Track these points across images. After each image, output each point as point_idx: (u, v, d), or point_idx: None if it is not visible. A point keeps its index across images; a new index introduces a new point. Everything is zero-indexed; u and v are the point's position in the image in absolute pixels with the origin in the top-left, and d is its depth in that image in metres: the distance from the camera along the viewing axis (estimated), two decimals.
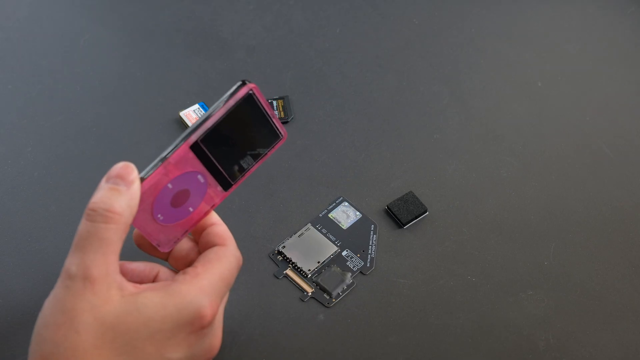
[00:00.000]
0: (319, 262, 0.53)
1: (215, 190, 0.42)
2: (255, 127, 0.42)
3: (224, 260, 0.39)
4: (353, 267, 0.53)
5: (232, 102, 0.39)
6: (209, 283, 0.38)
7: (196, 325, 0.37)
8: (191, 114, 0.61)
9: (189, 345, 0.37)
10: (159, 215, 0.40)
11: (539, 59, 0.68)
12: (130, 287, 0.36)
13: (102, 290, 0.35)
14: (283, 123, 0.62)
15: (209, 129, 0.39)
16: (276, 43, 0.68)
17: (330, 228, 0.55)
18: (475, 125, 0.62)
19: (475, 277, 0.53)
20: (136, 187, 0.37)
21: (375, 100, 0.64)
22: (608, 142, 0.61)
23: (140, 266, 0.41)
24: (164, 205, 0.40)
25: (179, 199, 0.40)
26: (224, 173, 0.41)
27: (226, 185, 0.42)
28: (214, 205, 0.42)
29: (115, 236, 0.36)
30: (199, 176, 0.40)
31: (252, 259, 0.53)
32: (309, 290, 0.52)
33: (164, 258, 0.43)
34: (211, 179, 0.41)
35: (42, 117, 0.62)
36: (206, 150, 0.40)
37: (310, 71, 0.66)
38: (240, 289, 0.52)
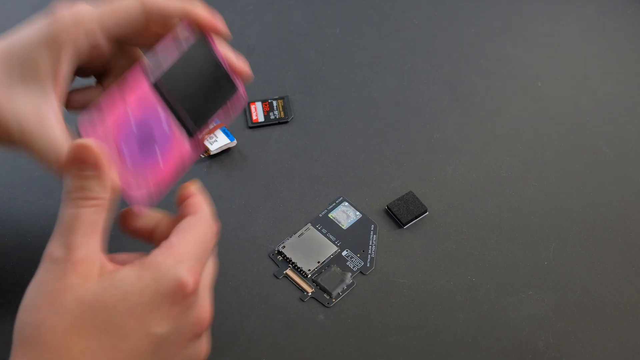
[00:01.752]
0: (319, 262, 0.53)
1: (180, 140, 0.41)
2: (210, 74, 0.42)
3: (197, 226, 0.38)
4: (353, 267, 0.53)
5: (186, 42, 0.40)
6: (185, 250, 0.37)
7: (178, 295, 0.36)
8: None
9: (173, 317, 0.36)
10: (126, 157, 0.39)
11: (539, 59, 0.68)
12: (110, 266, 0.36)
13: (84, 270, 0.34)
14: (283, 123, 0.62)
15: (166, 68, 0.40)
16: (276, 43, 0.68)
17: (330, 228, 0.55)
18: (475, 125, 0.62)
19: (475, 277, 0.53)
20: (105, 169, 0.36)
21: (375, 100, 0.64)
22: (608, 142, 0.61)
23: (131, 257, 0.40)
24: (129, 147, 0.39)
25: (146, 145, 0.40)
26: (186, 120, 0.41)
27: (190, 133, 0.41)
28: (183, 161, 0.41)
29: (98, 217, 0.36)
30: (163, 121, 0.40)
31: (252, 259, 0.53)
32: (309, 290, 0.52)
33: (147, 237, 0.42)
34: (174, 125, 0.41)
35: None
36: (165, 92, 0.40)
37: (310, 71, 0.66)
38: (240, 289, 0.52)
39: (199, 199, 0.40)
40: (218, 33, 0.44)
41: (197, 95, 0.42)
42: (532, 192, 0.58)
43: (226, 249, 0.54)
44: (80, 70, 0.45)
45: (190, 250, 0.37)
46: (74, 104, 0.46)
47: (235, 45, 0.68)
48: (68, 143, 0.40)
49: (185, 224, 0.38)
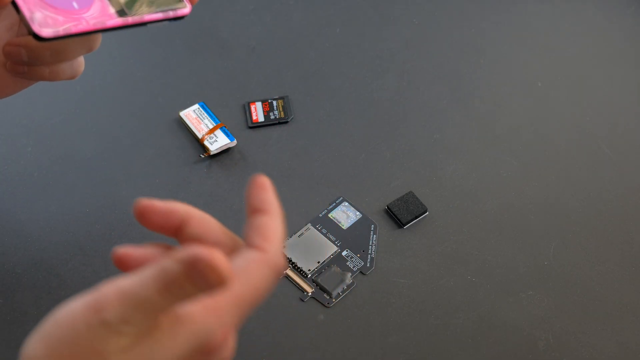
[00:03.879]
0: (319, 262, 0.53)
1: (106, 7, 0.40)
2: None
3: (254, 274, 0.32)
4: (353, 267, 0.53)
5: None
6: (226, 306, 0.31)
7: (204, 352, 0.32)
8: (191, 114, 0.61)
9: None
10: None
11: (539, 59, 0.68)
12: None
13: (121, 342, 0.31)
14: (283, 123, 0.62)
15: None
16: (276, 43, 0.68)
17: (330, 228, 0.55)
18: (475, 125, 0.62)
19: (475, 277, 0.53)
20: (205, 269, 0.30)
21: (375, 100, 0.64)
22: (608, 142, 0.61)
23: (147, 252, 0.35)
24: None
25: None
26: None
27: (118, 8, 0.40)
28: (106, 26, 0.39)
29: (170, 307, 0.31)
30: None
31: None
32: (309, 290, 0.52)
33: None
34: None
35: (42, 117, 0.62)
36: None
37: (310, 71, 0.66)
38: None
39: (271, 223, 0.34)
40: None
41: None
42: (532, 192, 0.58)
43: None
44: None
45: (234, 304, 0.32)
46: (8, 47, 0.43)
47: (235, 45, 0.68)
48: None
49: (242, 264, 0.32)
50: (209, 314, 0.31)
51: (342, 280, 0.52)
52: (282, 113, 0.62)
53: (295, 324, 0.50)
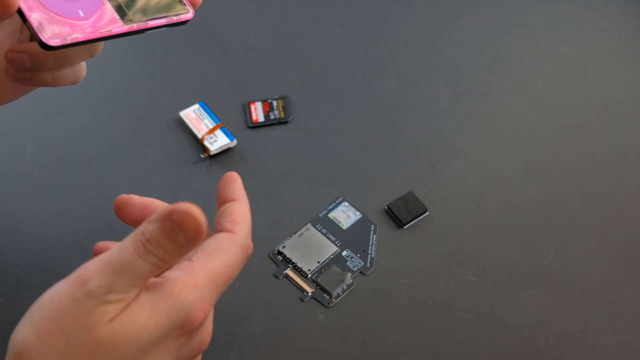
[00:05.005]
0: (319, 262, 0.53)
1: (111, 14, 0.40)
2: None
3: (226, 252, 0.35)
4: (353, 267, 0.53)
5: None
6: (203, 282, 0.34)
7: (185, 329, 0.34)
8: (191, 114, 0.61)
9: (177, 348, 0.35)
10: None
11: (539, 59, 0.68)
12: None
13: (110, 311, 0.32)
14: (283, 123, 0.62)
15: None
16: (276, 43, 0.68)
17: (330, 228, 0.55)
18: (475, 125, 0.62)
19: (475, 277, 0.53)
20: (194, 246, 0.34)
21: (375, 100, 0.64)
22: (608, 142, 0.61)
23: (148, 202, 0.38)
24: None
25: None
26: (120, 4, 0.40)
27: (123, 15, 0.40)
28: (110, 33, 0.40)
29: (152, 275, 0.33)
30: None
31: (252, 259, 0.53)
32: (309, 290, 0.52)
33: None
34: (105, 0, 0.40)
35: (42, 117, 0.62)
36: None
37: (310, 71, 0.66)
38: (240, 289, 0.52)
39: (240, 209, 0.37)
40: None
41: None
42: (532, 192, 0.58)
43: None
44: None
45: (211, 282, 0.34)
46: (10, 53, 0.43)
47: (235, 45, 0.68)
48: None
49: (215, 245, 0.35)
50: (189, 289, 0.33)
51: (342, 280, 0.52)
52: (282, 113, 0.62)
53: (295, 324, 0.50)
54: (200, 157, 0.59)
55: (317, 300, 0.51)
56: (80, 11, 0.39)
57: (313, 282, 0.52)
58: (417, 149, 0.60)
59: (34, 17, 0.37)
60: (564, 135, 0.62)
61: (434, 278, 0.53)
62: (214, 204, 0.56)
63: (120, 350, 0.32)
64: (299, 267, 0.53)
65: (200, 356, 0.39)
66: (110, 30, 0.40)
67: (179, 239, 0.33)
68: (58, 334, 0.32)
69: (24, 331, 0.32)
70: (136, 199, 0.39)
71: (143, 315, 0.33)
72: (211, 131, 0.59)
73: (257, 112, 0.62)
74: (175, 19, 0.43)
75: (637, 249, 0.54)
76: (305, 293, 0.52)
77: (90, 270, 0.32)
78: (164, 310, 0.33)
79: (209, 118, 0.60)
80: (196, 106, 0.62)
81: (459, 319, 0.50)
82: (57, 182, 0.57)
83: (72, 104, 0.63)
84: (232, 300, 0.51)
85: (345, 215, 0.56)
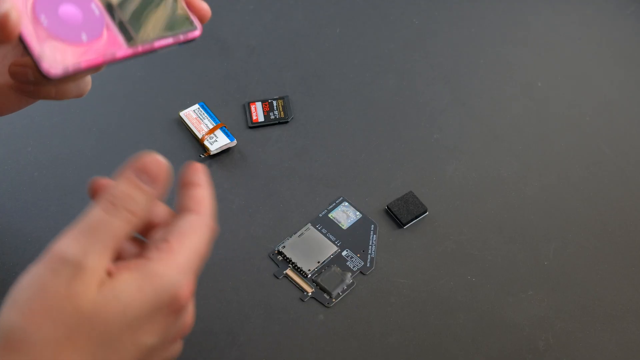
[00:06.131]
0: (319, 262, 0.53)
1: (114, 37, 0.39)
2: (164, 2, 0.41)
3: (198, 232, 0.36)
4: (353, 267, 0.53)
5: None
6: (184, 260, 0.35)
7: (174, 307, 0.35)
8: (191, 114, 0.61)
9: (165, 327, 0.35)
10: (43, 17, 0.36)
11: (539, 59, 0.68)
12: (114, 267, 0.34)
13: (90, 280, 0.32)
14: (283, 123, 0.62)
15: None
16: (276, 43, 0.68)
17: (330, 228, 0.55)
18: (475, 125, 0.62)
19: (475, 277, 0.53)
20: (161, 189, 0.35)
21: (375, 100, 0.64)
22: (608, 142, 0.61)
23: (129, 259, 0.38)
24: (50, 9, 0.37)
25: (70, 15, 0.38)
26: (126, 24, 0.39)
27: (129, 38, 0.39)
28: (115, 57, 0.38)
29: (125, 232, 0.34)
30: (93, 5, 0.39)
31: (252, 259, 0.53)
32: (309, 290, 0.52)
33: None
34: (109, 20, 0.39)
35: (42, 117, 0.62)
36: None
37: (310, 71, 0.66)
38: (240, 289, 0.52)
39: (204, 194, 0.38)
40: None
41: (141, 9, 0.40)
42: (532, 192, 0.58)
43: (226, 249, 0.54)
44: None
45: (190, 260, 0.35)
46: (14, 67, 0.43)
47: (235, 45, 0.68)
48: None
49: (186, 225, 0.36)
50: (172, 268, 0.34)
51: (342, 280, 0.52)
52: (282, 113, 0.62)
53: (295, 324, 0.50)
54: (200, 157, 0.59)
55: (317, 300, 0.51)
56: (83, 34, 0.38)
57: (313, 282, 0.52)
58: (417, 149, 0.60)
59: (34, 45, 0.36)
60: (564, 135, 0.62)
61: (434, 278, 0.53)
62: (215, 204, 0.56)
63: (105, 325, 0.33)
64: (299, 267, 0.53)
65: (181, 341, 0.39)
66: (114, 54, 0.38)
67: (144, 185, 0.34)
68: (42, 311, 0.32)
69: (8, 316, 0.32)
70: (108, 183, 0.38)
71: (127, 292, 0.33)
72: (211, 131, 0.59)
73: (257, 112, 0.62)
74: (182, 38, 0.41)
75: (637, 249, 0.54)
76: (305, 293, 0.52)
77: (63, 241, 0.33)
78: (150, 288, 0.34)
79: (209, 118, 0.60)
80: (196, 106, 0.62)
81: (459, 319, 0.50)
82: (57, 182, 0.57)
83: (72, 104, 0.63)
84: (232, 300, 0.51)
85: (345, 215, 0.56)
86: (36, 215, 0.55)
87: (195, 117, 0.61)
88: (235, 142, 0.59)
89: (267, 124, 0.61)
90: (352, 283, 0.52)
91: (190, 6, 0.43)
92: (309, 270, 0.52)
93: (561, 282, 0.52)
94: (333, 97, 0.64)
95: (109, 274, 0.34)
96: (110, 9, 0.39)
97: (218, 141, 0.59)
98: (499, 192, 0.58)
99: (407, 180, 0.58)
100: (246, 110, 0.62)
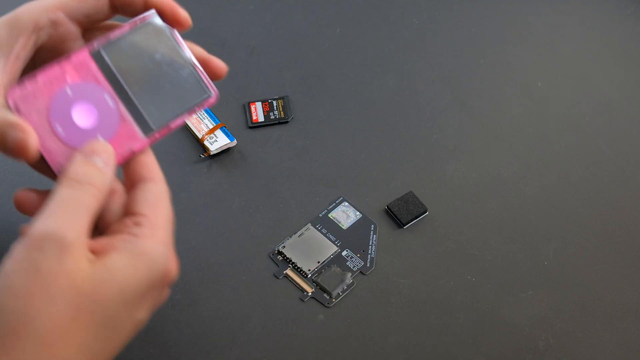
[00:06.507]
0: (319, 262, 0.53)
1: (131, 129, 0.39)
2: (174, 70, 0.40)
3: (162, 200, 0.37)
4: (353, 267, 0.53)
5: (141, 22, 0.40)
6: (165, 232, 0.36)
7: (165, 281, 0.36)
8: None
9: (154, 299, 0.36)
10: (58, 126, 0.37)
11: (539, 59, 0.68)
12: (97, 246, 0.34)
13: (77, 255, 0.32)
14: (283, 123, 0.62)
15: (111, 40, 0.39)
16: (276, 43, 0.68)
17: (330, 228, 0.55)
18: (475, 125, 0.62)
19: (475, 277, 0.53)
20: (113, 167, 0.37)
21: (375, 100, 0.64)
22: (608, 142, 0.61)
23: (113, 240, 0.38)
24: (64, 116, 0.37)
25: (84, 116, 0.38)
26: (139, 109, 0.39)
27: (146, 129, 0.39)
28: (133, 152, 0.38)
29: (94, 204, 0.35)
30: (107, 96, 0.38)
31: (252, 259, 0.53)
32: (309, 290, 0.52)
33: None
34: (124, 109, 0.38)
35: None
36: (111, 65, 0.38)
37: (310, 71, 0.66)
38: (240, 289, 0.52)
39: (151, 160, 0.39)
40: (177, 19, 0.42)
41: (154, 86, 0.39)
42: (532, 192, 0.58)
43: (226, 249, 0.54)
44: (51, 52, 0.42)
45: (167, 229, 0.36)
46: None
47: (235, 45, 0.68)
48: (6, 120, 0.36)
49: (152, 195, 0.37)
50: (159, 243, 0.35)
51: (342, 280, 0.52)
52: (282, 113, 0.62)
53: (295, 324, 0.50)
54: (200, 157, 0.59)
55: (317, 300, 0.51)
56: (99, 136, 0.38)
57: (313, 282, 0.52)
58: (417, 149, 0.60)
59: (54, 162, 0.37)
60: (564, 135, 0.62)
61: (434, 278, 0.53)
62: (214, 204, 0.56)
63: (106, 305, 0.33)
64: (299, 267, 0.53)
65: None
66: (132, 149, 0.38)
67: (99, 164, 0.36)
68: (40, 293, 0.31)
69: (6, 303, 0.31)
70: (34, 195, 0.39)
71: (123, 272, 0.34)
72: (211, 131, 0.59)
73: (257, 112, 0.62)
74: (197, 109, 0.41)
75: (637, 249, 0.54)
76: (305, 293, 0.52)
77: (39, 221, 0.33)
78: (144, 267, 0.34)
79: (209, 118, 0.60)
80: None
81: (459, 319, 0.50)
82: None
83: None
84: (232, 300, 0.51)
85: (345, 215, 0.56)
86: None
87: (195, 117, 0.61)
88: (235, 142, 0.59)
89: (267, 124, 0.61)
90: (352, 283, 0.52)
91: (206, 66, 0.43)
92: (309, 270, 0.52)
93: (561, 282, 0.52)
94: (333, 97, 0.64)
95: (95, 252, 0.34)
96: (123, 93, 0.39)
97: (218, 141, 0.59)
98: (499, 192, 0.58)
99: (407, 180, 0.58)
100: (246, 110, 0.62)
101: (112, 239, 0.35)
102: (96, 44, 0.39)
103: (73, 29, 0.41)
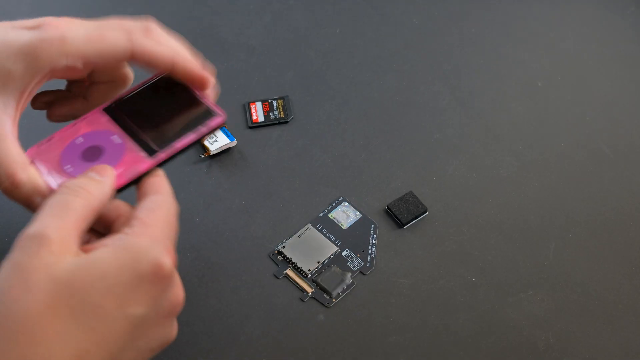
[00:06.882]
0: (319, 262, 0.53)
1: (137, 155, 0.41)
2: (181, 103, 0.43)
3: (164, 206, 0.38)
4: (353, 267, 0.53)
5: (152, 78, 0.43)
6: (160, 230, 0.37)
7: (158, 275, 0.35)
8: None
9: (152, 298, 0.36)
10: (68, 166, 0.40)
11: (539, 59, 0.68)
12: (89, 247, 0.35)
13: (59, 250, 0.34)
14: (283, 123, 0.62)
15: (123, 97, 0.42)
16: (276, 43, 0.68)
17: (330, 228, 0.55)
18: (475, 125, 0.62)
19: (475, 277, 0.53)
20: (111, 179, 0.38)
21: (375, 100, 0.64)
22: (608, 142, 0.61)
23: (103, 241, 0.40)
24: (74, 158, 0.40)
25: (92, 155, 0.40)
26: (146, 139, 0.41)
27: (151, 151, 0.41)
28: (139, 172, 0.41)
29: (80, 207, 0.35)
30: (114, 136, 0.41)
31: (252, 259, 0.53)
32: (309, 290, 0.52)
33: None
34: (130, 142, 0.41)
35: (42, 117, 0.61)
36: (122, 114, 0.41)
37: (310, 71, 0.66)
38: (240, 289, 0.52)
39: (160, 180, 0.40)
40: (205, 87, 0.44)
41: (164, 122, 0.42)
42: (532, 192, 0.58)
43: (226, 249, 0.54)
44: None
45: (163, 229, 0.37)
46: (56, 117, 0.47)
47: (235, 45, 0.68)
48: (20, 160, 0.39)
49: (152, 202, 0.38)
50: (148, 240, 0.36)
51: (342, 280, 0.52)
52: (282, 113, 0.62)
53: (295, 324, 0.50)
54: (200, 157, 0.59)
55: (317, 300, 0.51)
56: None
57: (313, 282, 0.52)
58: (417, 149, 0.60)
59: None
60: (564, 135, 0.62)
61: (434, 278, 0.53)
62: (214, 204, 0.56)
63: (84, 292, 0.33)
64: (299, 267, 0.53)
65: (175, 322, 0.39)
66: (137, 170, 0.40)
67: (92, 175, 0.38)
68: (19, 284, 0.32)
69: None
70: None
71: (104, 260, 0.34)
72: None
73: (257, 112, 0.62)
74: (205, 130, 0.42)
75: (637, 249, 0.54)
76: (305, 293, 0.52)
77: (29, 224, 0.35)
78: (128, 256, 0.35)
79: None
80: None
81: (459, 319, 0.50)
82: None
83: None
84: (232, 300, 0.51)
85: (345, 215, 0.56)
86: None
87: None
88: (235, 142, 0.59)
89: (267, 124, 0.61)
90: (352, 283, 0.52)
91: (192, 80, 0.44)
92: (309, 270, 0.52)
93: (561, 282, 0.52)
94: (333, 97, 0.64)
95: (87, 250, 0.35)
96: (131, 130, 0.41)
97: (218, 141, 0.59)
98: (499, 192, 0.58)
99: (407, 180, 0.58)
100: (246, 110, 0.62)
101: (104, 238, 0.36)
102: (109, 102, 0.43)
103: (84, 72, 0.42)
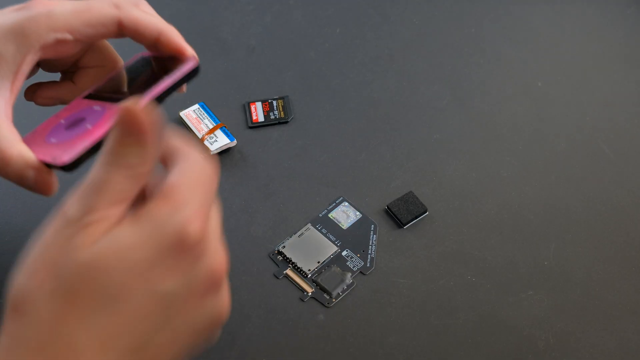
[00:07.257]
0: (319, 262, 0.53)
1: (116, 106, 0.41)
2: (158, 71, 0.43)
3: (192, 169, 0.33)
4: (353, 267, 0.53)
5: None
6: (183, 196, 0.32)
7: (183, 245, 0.32)
8: (191, 114, 0.61)
9: (181, 271, 0.32)
10: (52, 139, 0.40)
11: (539, 59, 0.68)
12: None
13: (92, 233, 0.31)
14: (283, 123, 0.62)
15: (104, 80, 0.44)
16: (276, 43, 0.68)
17: (330, 228, 0.55)
18: (475, 125, 0.62)
19: (475, 277, 0.53)
20: (148, 140, 0.33)
21: (375, 100, 0.64)
22: (608, 142, 0.61)
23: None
24: (58, 132, 0.41)
25: (74, 125, 0.41)
26: (126, 97, 0.41)
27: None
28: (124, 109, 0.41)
29: (128, 187, 0.32)
30: (95, 107, 0.41)
31: (252, 259, 0.53)
32: (309, 290, 0.52)
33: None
34: (111, 106, 0.41)
35: (42, 117, 0.61)
36: (103, 93, 0.42)
37: (310, 71, 0.66)
38: (240, 289, 0.52)
39: (185, 147, 0.35)
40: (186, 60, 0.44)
41: (138, 84, 0.43)
42: (532, 192, 0.58)
43: (226, 249, 0.54)
44: (47, 65, 0.45)
45: (189, 194, 0.32)
46: (42, 99, 0.46)
47: (235, 45, 0.68)
48: (11, 137, 0.39)
49: (177, 169, 0.33)
50: (168, 207, 0.32)
51: (342, 280, 0.52)
52: (282, 113, 0.62)
53: (295, 324, 0.50)
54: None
55: (317, 300, 0.51)
56: (87, 125, 0.40)
57: (313, 282, 0.52)
58: (417, 149, 0.60)
59: (47, 158, 0.40)
60: (564, 135, 0.62)
61: (434, 278, 0.53)
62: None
63: (106, 273, 0.31)
64: (299, 267, 0.53)
65: (225, 294, 0.37)
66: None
67: (129, 139, 0.32)
68: (43, 268, 0.31)
69: (17, 279, 0.32)
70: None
71: (126, 237, 0.31)
72: (211, 131, 0.59)
73: (257, 112, 0.62)
74: (179, 74, 0.43)
75: (637, 249, 0.54)
76: (305, 293, 0.52)
77: (68, 200, 0.32)
78: (147, 228, 0.31)
79: (209, 118, 0.60)
80: (196, 106, 0.62)
81: (459, 319, 0.50)
82: (57, 181, 0.57)
83: None
84: (232, 300, 0.51)
85: (345, 215, 0.56)
86: (36, 215, 0.55)
87: (195, 117, 0.61)
88: (235, 142, 0.59)
89: (267, 124, 0.61)
90: (352, 283, 0.52)
91: (173, 50, 0.44)
92: (309, 270, 0.52)
93: (561, 282, 0.52)
94: (333, 97, 0.64)
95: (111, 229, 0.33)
96: (111, 100, 0.42)
97: (218, 141, 0.59)
98: (499, 192, 0.58)
99: (407, 180, 0.58)
100: (246, 110, 0.62)
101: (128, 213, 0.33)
102: (89, 90, 0.44)
103: (75, 48, 0.42)
